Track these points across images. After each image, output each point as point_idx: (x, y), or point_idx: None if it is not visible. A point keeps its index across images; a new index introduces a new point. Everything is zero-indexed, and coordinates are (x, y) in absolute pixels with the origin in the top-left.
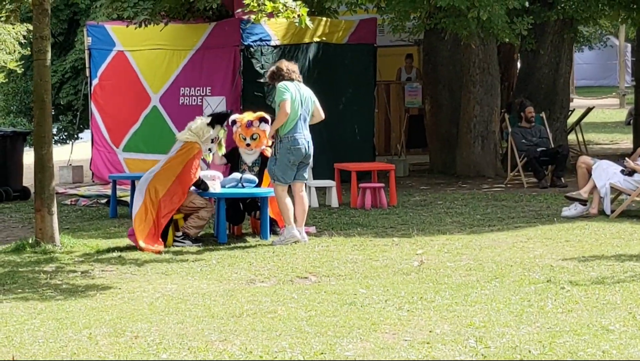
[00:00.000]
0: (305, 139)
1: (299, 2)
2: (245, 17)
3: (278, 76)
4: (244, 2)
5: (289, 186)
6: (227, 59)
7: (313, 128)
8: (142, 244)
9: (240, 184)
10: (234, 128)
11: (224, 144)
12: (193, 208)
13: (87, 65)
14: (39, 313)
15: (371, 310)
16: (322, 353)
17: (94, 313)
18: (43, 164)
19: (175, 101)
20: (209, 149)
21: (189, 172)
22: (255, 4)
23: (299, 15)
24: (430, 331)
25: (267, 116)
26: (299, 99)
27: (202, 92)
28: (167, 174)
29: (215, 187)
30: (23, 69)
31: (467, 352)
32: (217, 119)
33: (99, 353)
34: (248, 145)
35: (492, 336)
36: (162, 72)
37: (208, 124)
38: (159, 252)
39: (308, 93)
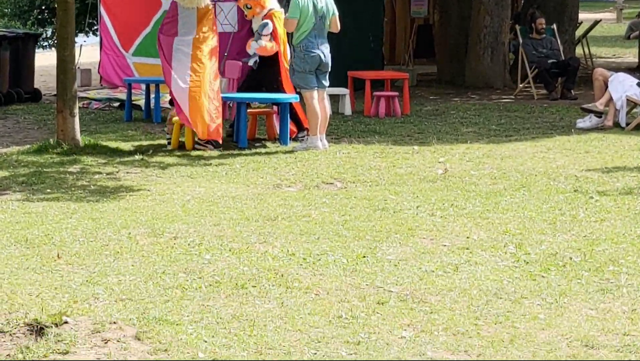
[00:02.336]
0: (319, 48)
1: None
2: None
3: None
4: None
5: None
6: None
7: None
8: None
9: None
10: None
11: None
12: None
13: None
14: (73, 212)
15: (404, 215)
16: (364, 257)
17: (128, 214)
18: (65, 66)
19: None
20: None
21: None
22: None
23: None
24: (467, 238)
25: None
26: (312, 11)
27: None
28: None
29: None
30: None
31: (508, 258)
32: None
33: (142, 252)
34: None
35: (530, 243)
36: None
37: None
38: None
39: (326, 3)
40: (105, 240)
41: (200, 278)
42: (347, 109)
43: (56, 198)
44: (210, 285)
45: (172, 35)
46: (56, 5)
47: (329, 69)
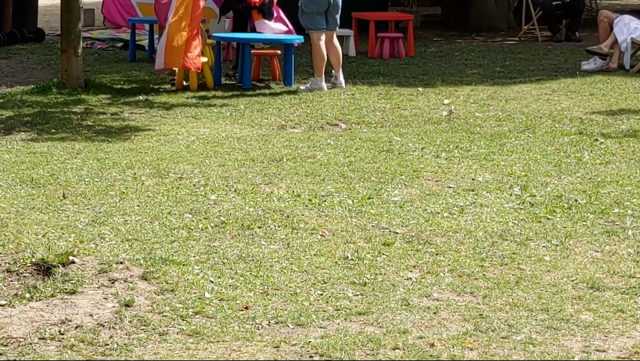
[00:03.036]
0: None
1: None
2: None
3: None
4: None
5: None
6: None
7: None
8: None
9: None
10: None
11: None
12: None
13: None
14: (77, 152)
15: (409, 157)
16: (369, 198)
17: (133, 154)
18: (70, 5)
19: None
20: None
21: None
22: None
23: None
24: (472, 179)
25: None
26: None
27: None
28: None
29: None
30: None
31: (513, 200)
32: None
33: (147, 193)
34: None
35: (536, 185)
36: None
37: None
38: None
39: None
40: (111, 180)
41: (206, 218)
42: (352, 50)
43: (61, 138)
44: (216, 226)
45: None
46: None
47: (339, 11)
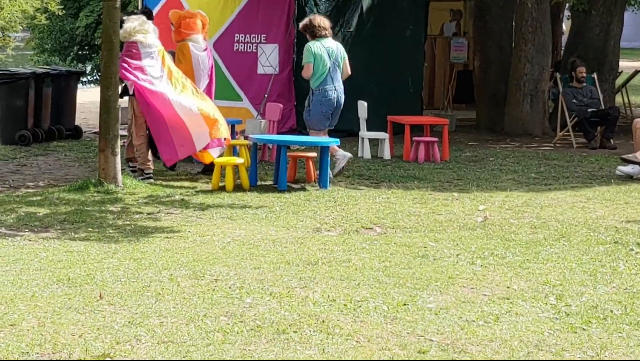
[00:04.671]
0: (336, 90)
1: None
2: None
3: (310, 30)
4: None
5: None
6: (281, 7)
7: (364, 80)
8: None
9: None
10: None
11: None
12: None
13: (139, 7)
14: (114, 252)
15: (444, 263)
16: (404, 304)
17: (169, 255)
18: (109, 105)
19: (230, 47)
20: None
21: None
22: None
23: None
24: (507, 287)
25: None
26: (325, 56)
27: (257, 39)
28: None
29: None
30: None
31: (548, 309)
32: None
33: (183, 294)
34: None
35: (571, 294)
36: (216, 18)
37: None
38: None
39: (338, 48)
40: (147, 281)
41: (241, 322)
42: (387, 154)
43: (97, 237)
44: (251, 329)
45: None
46: (101, 45)
47: (340, 111)
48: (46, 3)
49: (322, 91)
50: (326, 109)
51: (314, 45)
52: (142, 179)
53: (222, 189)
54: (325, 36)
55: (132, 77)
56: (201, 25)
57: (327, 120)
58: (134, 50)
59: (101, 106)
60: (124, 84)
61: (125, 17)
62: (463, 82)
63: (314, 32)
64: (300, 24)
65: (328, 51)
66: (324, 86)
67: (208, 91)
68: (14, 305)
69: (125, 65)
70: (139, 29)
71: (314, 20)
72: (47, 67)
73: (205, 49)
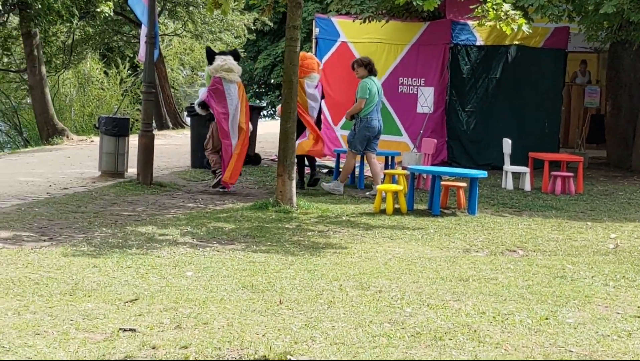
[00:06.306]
0: (378, 120)
1: (518, 12)
2: (456, 19)
3: (369, 67)
4: (470, 7)
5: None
6: (437, 55)
7: (508, 120)
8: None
9: None
10: None
11: None
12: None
13: (313, 52)
14: (290, 264)
15: (581, 283)
16: (546, 318)
17: (338, 268)
18: (287, 136)
19: (394, 89)
20: None
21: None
22: (480, 11)
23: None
24: (638, 307)
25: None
26: (376, 90)
27: (417, 82)
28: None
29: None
30: (245, 54)
31: None
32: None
33: (351, 303)
34: None
35: None
36: (381, 63)
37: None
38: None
39: (380, 86)
40: (320, 290)
41: (403, 328)
42: (527, 186)
43: (276, 250)
44: (412, 335)
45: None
46: (277, 84)
47: (379, 139)
48: (230, 47)
49: (369, 119)
50: (369, 134)
51: (371, 82)
52: (216, 182)
53: (383, 212)
54: (376, 74)
55: (216, 107)
56: (317, 66)
57: (365, 143)
58: (218, 86)
59: (280, 137)
60: (209, 111)
61: (216, 56)
62: (595, 124)
63: (371, 69)
64: (359, 58)
65: (378, 87)
66: (371, 115)
67: (317, 119)
68: (206, 306)
69: (211, 96)
70: (225, 67)
71: (369, 59)
72: None
73: (317, 86)
